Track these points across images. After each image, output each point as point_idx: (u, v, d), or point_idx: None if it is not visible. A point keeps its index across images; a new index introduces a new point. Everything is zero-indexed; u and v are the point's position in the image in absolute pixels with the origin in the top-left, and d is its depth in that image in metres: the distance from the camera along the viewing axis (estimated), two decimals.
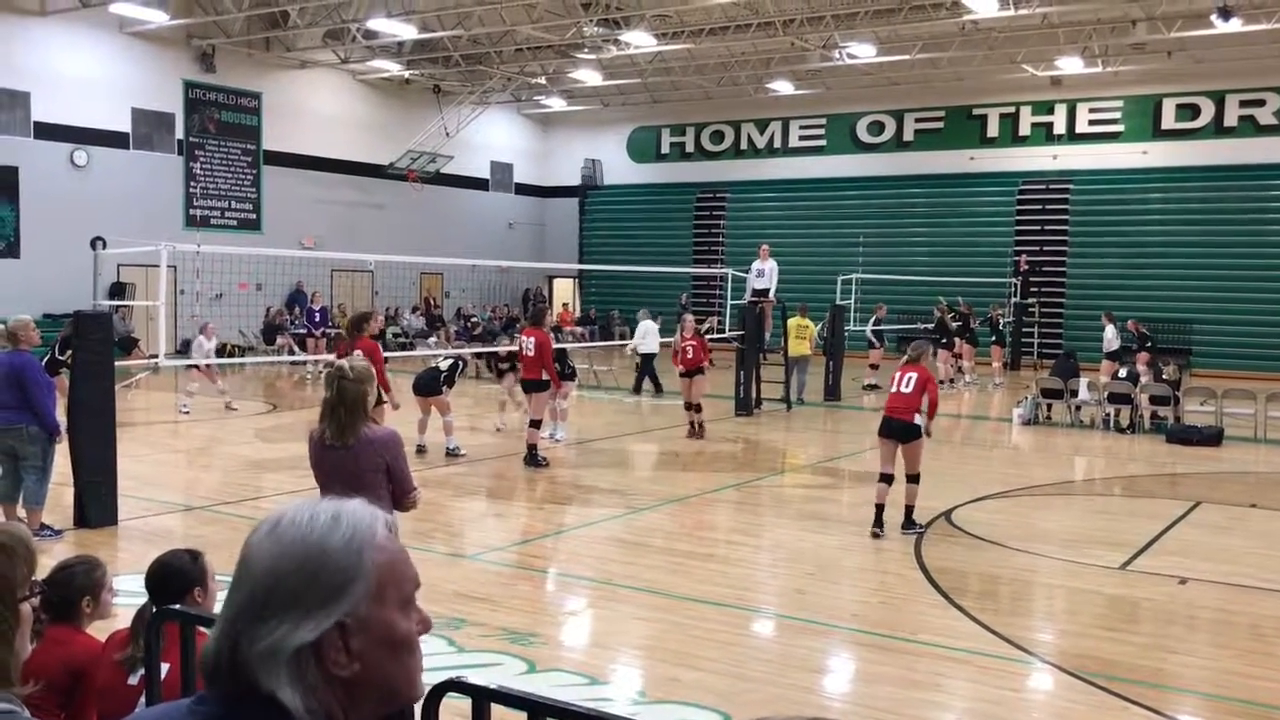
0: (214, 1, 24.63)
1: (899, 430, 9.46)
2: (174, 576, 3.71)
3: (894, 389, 9.62)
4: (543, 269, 35.62)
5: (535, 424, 12.76)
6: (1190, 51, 26.39)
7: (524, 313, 32.45)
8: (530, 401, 12.97)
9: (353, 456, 4.90)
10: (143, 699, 3.46)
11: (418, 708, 2.51)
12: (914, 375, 9.52)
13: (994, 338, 24.45)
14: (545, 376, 12.68)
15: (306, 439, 5.17)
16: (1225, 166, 28.02)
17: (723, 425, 16.41)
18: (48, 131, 24.00)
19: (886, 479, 9.44)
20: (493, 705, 2.30)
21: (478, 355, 22.82)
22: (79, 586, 3.81)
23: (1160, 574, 8.36)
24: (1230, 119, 28.32)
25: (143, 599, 3.82)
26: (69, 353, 10.40)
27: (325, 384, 4.98)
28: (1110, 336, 21.45)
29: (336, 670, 1.30)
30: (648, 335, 19.83)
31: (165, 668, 3.35)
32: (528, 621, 6.94)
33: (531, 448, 12.63)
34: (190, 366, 17.21)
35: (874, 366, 22.52)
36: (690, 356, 15.27)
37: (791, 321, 19.29)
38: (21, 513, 8.59)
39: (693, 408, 15.10)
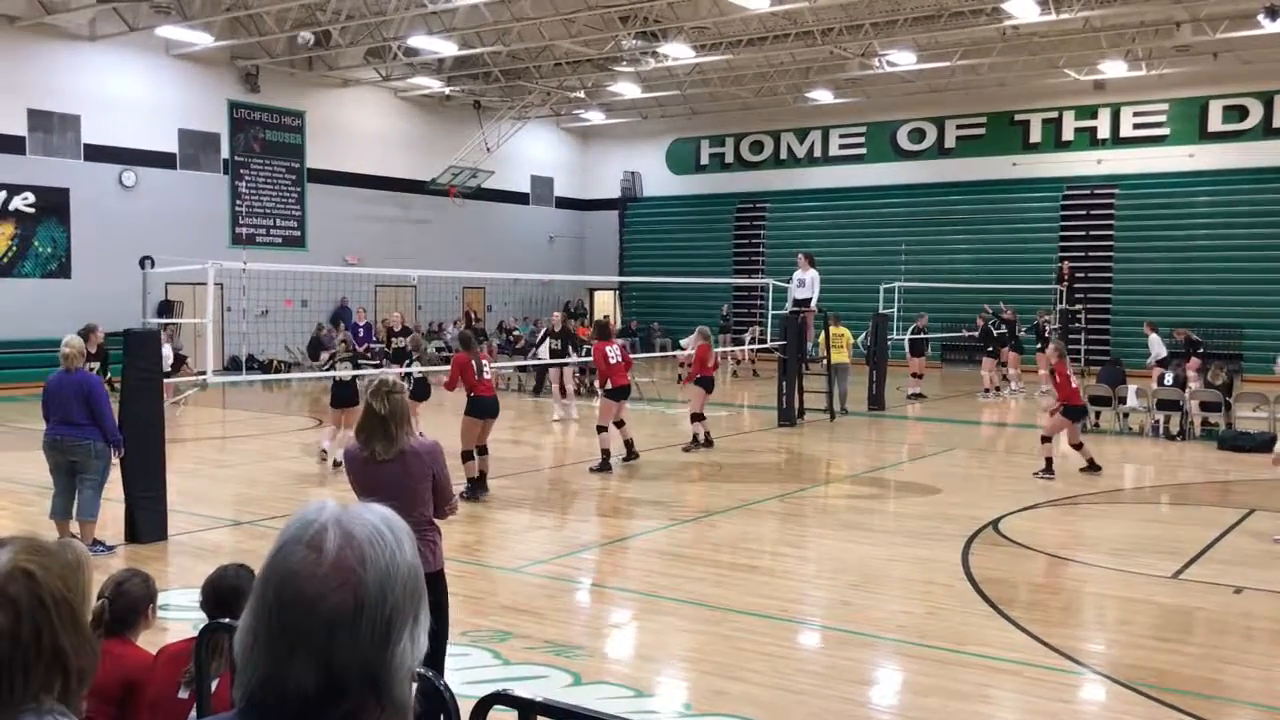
0: (257, 22, 24.98)
1: (1084, 413, 13.94)
2: (234, 594, 3.74)
3: (1074, 384, 12.99)
4: (584, 281, 35.72)
5: (621, 424, 13.51)
6: (1237, 52, 26.02)
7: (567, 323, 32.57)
8: (621, 409, 13.58)
9: (403, 468, 4.93)
10: (193, 713, 3.50)
11: None
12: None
13: (1040, 345, 24.18)
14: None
15: (345, 461, 5.15)
16: (1275, 168, 27.56)
17: (766, 436, 16.36)
18: (97, 153, 24.46)
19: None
20: (539, 718, 2.31)
21: (521, 368, 22.92)
22: (139, 597, 3.90)
23: (1214, 583, 8.22)
24: (1279, 120, 27.89)
25: (194, 613, 3.87)
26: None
27: (373, 398, 4.98)
28: (1156, 345, 21.06)
29: None
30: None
31: (215, 682, 3.39)
32: (573, 634, 6.95)
33: (628, 444, 13.52)
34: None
35: (917, 376, 22.34)
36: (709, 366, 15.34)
37: (829, 330, 19.20)
38: (74, 528, 8.74)
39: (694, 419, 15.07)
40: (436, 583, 4.89)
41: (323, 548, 1.34)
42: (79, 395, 8.61)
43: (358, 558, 1.34)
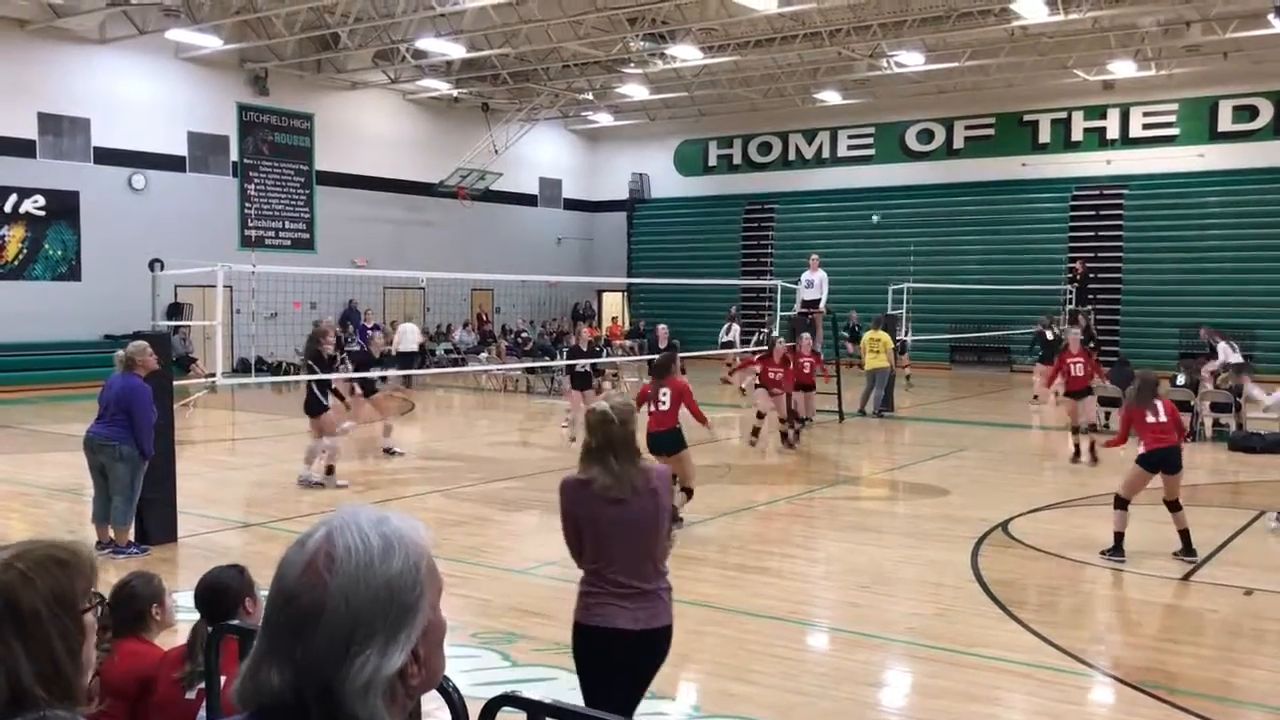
0: (266, 25, 25.04)
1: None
2: (224, 593, 3.80)
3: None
4: (592, 283, 35.75)
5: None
6: (1247, 52, 25.93)
7: (574, 326, 32.60)
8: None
9: (639, 506, 4.26)
10: (202, 713, 3.52)
11: None
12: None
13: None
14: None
15: (560, 490, 4.52)
16: None
17: (775, 437, 16.33)
18: (107, 156, 24.54)
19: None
20: (547, 719, 2.31)
21: (530, 370, 22.97)
22: (145, 597, 3.95)
23: (1224, 585, 8.20)
24: None
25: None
26: None
27: (589, 431, 4.36)
28: (1226, 352, 20.20)
29: (412, 681, 1.35)
30: (405, 335, 23.30)
31: (222, 680, 3.40)
32: None
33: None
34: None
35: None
36: (806, 371, 16.30)
37: (866, 336, 19.23)
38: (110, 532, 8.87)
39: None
40: (664, 639, 4.45)
41: (305, 547, 1.35)
42: (118, 398, 8.72)
43: (326, 563, 1.32)
